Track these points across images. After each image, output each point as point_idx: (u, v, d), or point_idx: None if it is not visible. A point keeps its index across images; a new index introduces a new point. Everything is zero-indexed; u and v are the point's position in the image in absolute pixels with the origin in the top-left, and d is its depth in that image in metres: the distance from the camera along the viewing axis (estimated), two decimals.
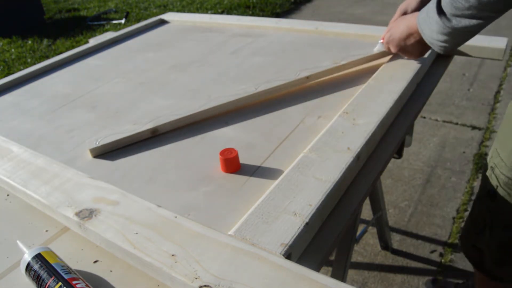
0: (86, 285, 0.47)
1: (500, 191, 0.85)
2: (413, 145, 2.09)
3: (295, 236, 0.50)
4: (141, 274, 0.51)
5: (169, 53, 1.20)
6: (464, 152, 2.01)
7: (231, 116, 0.83)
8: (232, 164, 0.66)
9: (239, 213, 0.57)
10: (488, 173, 0.88)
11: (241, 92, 0.87)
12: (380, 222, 1.43)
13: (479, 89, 2.54)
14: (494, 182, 0.86)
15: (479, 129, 2.17)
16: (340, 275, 0.97)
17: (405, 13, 0.88)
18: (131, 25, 4.19)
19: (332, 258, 1.02)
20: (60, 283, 0.46)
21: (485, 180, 0.90)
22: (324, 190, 0.56)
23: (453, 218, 1.64)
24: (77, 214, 0.57)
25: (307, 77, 0.90)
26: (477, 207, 0.95)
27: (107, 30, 4.31)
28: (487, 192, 0.88)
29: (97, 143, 0.75)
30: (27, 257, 0.50)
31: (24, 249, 0.52)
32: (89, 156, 0.75)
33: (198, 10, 4.67)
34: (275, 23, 1.28)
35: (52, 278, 0.47)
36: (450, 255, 1.49)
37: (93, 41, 1.37)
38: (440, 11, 0.70)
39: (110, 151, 0.75)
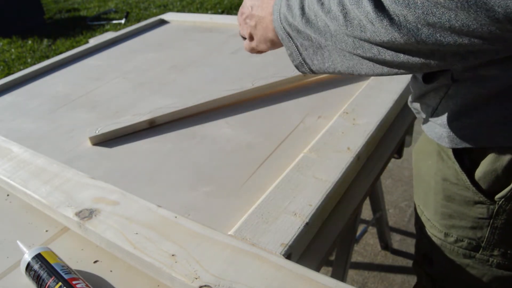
0: (86, 285, 0.47)
1: (435, 254, 0.63)
2: (413, 145, 2.09)
3: (295, 236, 0.50)
4: (141, 274, 0.51)
5: (169, 53, 1.20)
6: None
7: (231, 116, 0.83)
8: None
9: (239, 213, 0.57)
10: (418, 233, 0.68)
11: (237, 87, 0.87)
12: (380, 222, 1.43)
13: None
14: (426, 243, 0.64)
15: None
16: (340, 275, 0.97)
17: None
18: (131, 25, 4.19)
19: (332, 258, 1.01)
20: (60, 283, 0.46)
21: (418, 241, 0.69)
22: (324, 190, 0.56)
23: None
24: (77, 214, 0.57)
25: (304, 74, 0.90)
26: (417, 274, 0.73)
27: (107, 30, 4.31)
28: (423, 255, 0.68)
29: (97, 131, 0.78)
30: (27, 257, 0.50)
31: (24, 249, 0.52)
32: (89, 156, 0.75)
33: (198, 10, 4.67)
34: None
35: (52, 278, 0.47)
36: None
37: (93, 41, 1.37)
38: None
39: (110, 145, 0.75)
